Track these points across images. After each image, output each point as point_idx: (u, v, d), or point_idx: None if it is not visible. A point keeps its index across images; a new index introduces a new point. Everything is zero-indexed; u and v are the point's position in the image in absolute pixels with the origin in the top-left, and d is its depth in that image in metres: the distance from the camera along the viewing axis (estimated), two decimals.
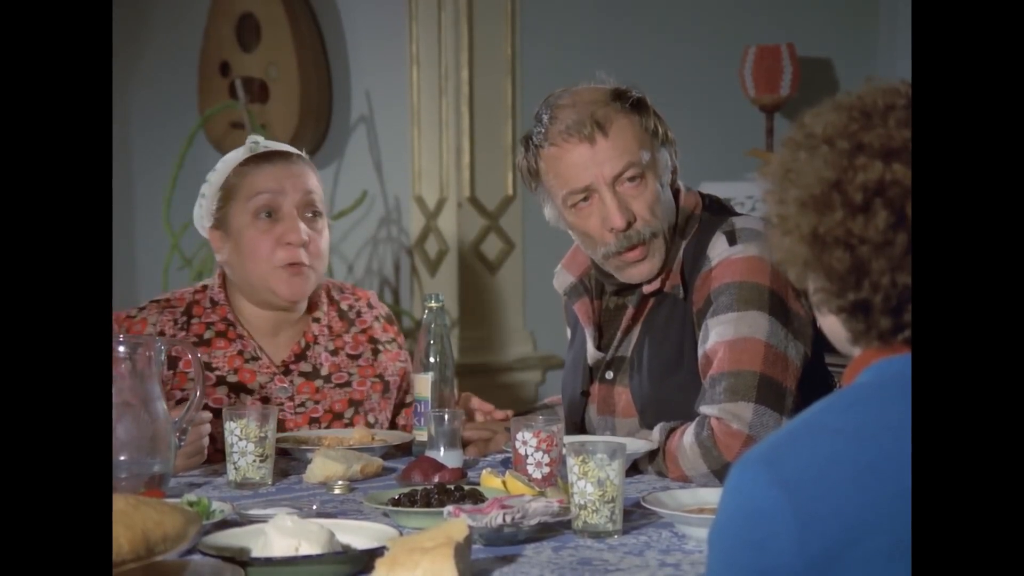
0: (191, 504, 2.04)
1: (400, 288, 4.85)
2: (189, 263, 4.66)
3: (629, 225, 2.45)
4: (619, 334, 2.55)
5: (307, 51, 4.96)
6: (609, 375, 2.56)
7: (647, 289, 2.51)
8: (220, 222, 2.67)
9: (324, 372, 2.70)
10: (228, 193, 2.66)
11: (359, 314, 2.80)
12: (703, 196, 2.57)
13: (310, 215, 2.67)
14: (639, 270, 2.50)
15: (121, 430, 2.22)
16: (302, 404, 2.67)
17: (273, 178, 2.65)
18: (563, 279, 2.67)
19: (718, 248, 2.45)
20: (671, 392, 2.45)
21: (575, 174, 2.46)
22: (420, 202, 4.69)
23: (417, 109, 4.65)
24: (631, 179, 2.45)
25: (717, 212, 2.53)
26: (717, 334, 2.38)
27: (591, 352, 2.60)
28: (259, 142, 2.70)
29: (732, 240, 2.44)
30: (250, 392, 2.64)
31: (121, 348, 2.25)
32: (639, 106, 2.48)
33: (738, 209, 2.62)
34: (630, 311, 2.53)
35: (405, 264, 4.81)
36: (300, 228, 2.63)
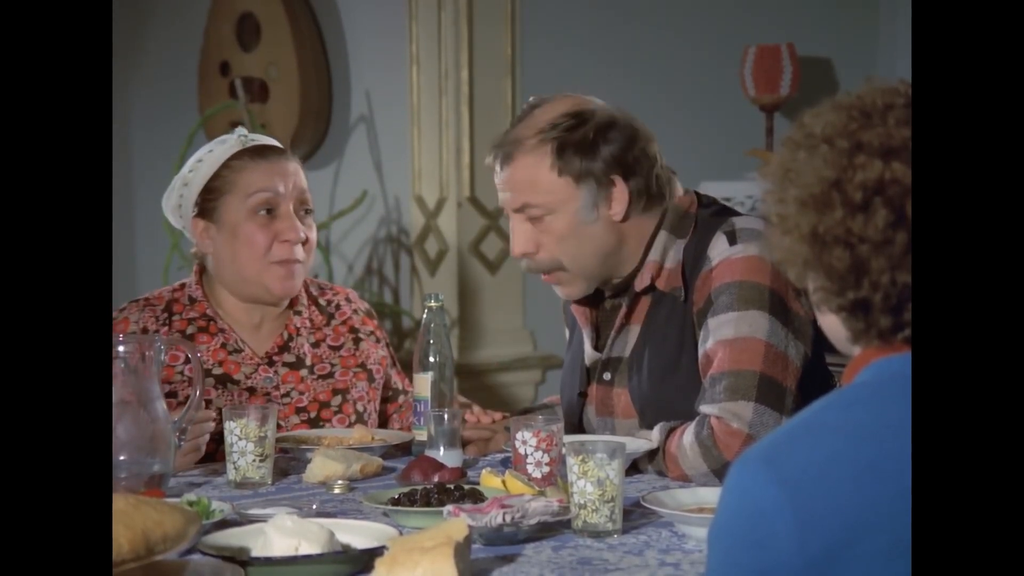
0: (191, 504, 2.04)
1: (400, 287, 4.85)
2: (189, 264, 4.66)
3: (526, 254, 2.49)
4: (613, 333, 2.55)
5: (307, 51, 4.96)
6: (607, 376, 2.56)
7: (638, 286, 2.51)
8: (208, 214, 2.67)
9: (308, 363, 2.71)
10: (220, 186, 2.66)
11: (338, 307, 2.82)
12: (699, 196, 2.57)
13: (303, 212, 2.69)
14: (561, 290, 2.56)
15: (121, 430, 2.22)
16: (287, 394, 2.68)
17: (271, 175, 2.66)
18: None
19: (718, 248, 2.45)
20: (671, 393, 2.45)
21: (497, 191, 2.54)
22: (420, 202, 4.69)
23: (417, 109, 4.66)
24: (531, 217, 2.48)
25: (718, 212, 2.53)
26: (717, 334, 2.38)
27: (588, 352, 2.60)
28: (247, 135, 2.70)
29: (732, 240, 2.44)
30: (236, 383, 2.65)
31: (121, 348, 2.25)
32: (565, 146, 2.44)
33: (738, 209, 2.62)
34: (623, 310, 2.53)
35: (405, 264, 4.82)
36: (298, 226, 2.65)
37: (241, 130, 2.73)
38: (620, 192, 2.46)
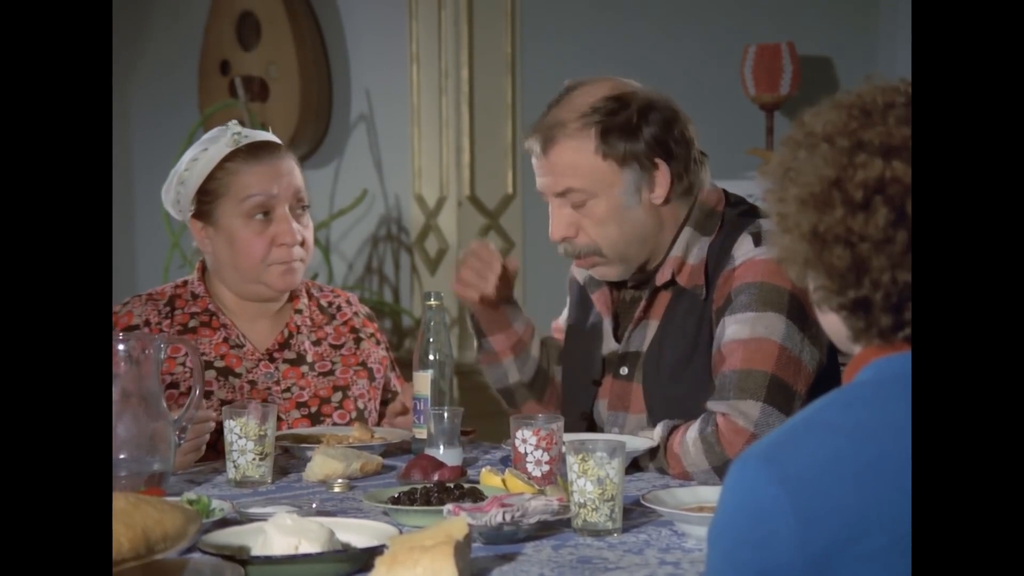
0: (191, 502, 2.04)
1: (400, 286, 4.85)
2: (189, 262, 4.67)
3: (566, 239, 2.49)
4: (631, 327, 2.55)
5: (307, 50, 4.96)
6: (624, 371, 2.55)
7: (659, 281, 2.50)
8: (205, 216, 2.67)
9: (308, 359, 2.72)
10: (216, 188, 2.65)
11: (339, 308, 2.83)
12: (727, 194, 2.56)
13: (300, 210, 2.69)
14: (597, 272, 2.55)
15: (121, 428, 2.22)
16: (288, 389, 2.69)
17: (264, 178, 2.65)
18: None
19: (743, 248, 2.44)
20: (682, 390, 2.45)
21: (536, 175, 2.52)
22: (420, 200, 4.69)
23: (417, 108, 4.66)
24: (573, 203, 2.47)
25: (745, 213, 2.52)
26: (733, 332, 2.38)
27: (609, 343, 2.59)
28: (240, 132, 2.68)
29: (758, 241, 2.44)
30: (237, 376, 2.66)
31: (121, 346, 2.25)
32: (608, 129, 2.44)
33: None
34: (642, 303, 2.53)
35: (405, 262, 4.82)
36: (294, 228, 2.66)
37: (234, 126, 2.70)
38: (663, 175, 2.46)
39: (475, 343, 2.71)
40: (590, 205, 2.46)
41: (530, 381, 2.68)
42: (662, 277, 2.50)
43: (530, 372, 2.68)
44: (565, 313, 2.77)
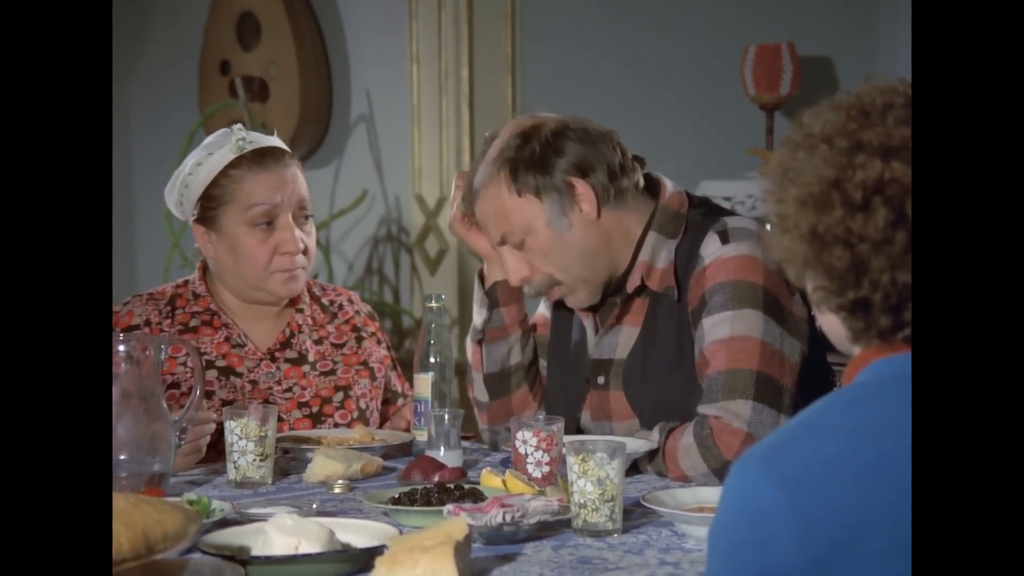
0: (191, 503, 2.04)
1: (400, 287, 4.85)
2: (189, 262, 4.66)
3: (524, 280, 2.52)
4: (601, 331, 2.55)
5: (307, 50, 4.96)
6: (600, 380, 2.55)
7: (629, 287, 2.51)
8: (209, 222, 2.67)
9: (310, 359, 2.72)
10: (220, 195, 2.65)
11: (340, 307, 2.84)
12: (691, 196, 2.57)
13: (303, 219, 2.69)
14: (568, 302, 2.56)
15: (121, 429, 2.22)
16: (289, 389, 2.69)
17: (268, 187, 2.64)
18: None
19: (711, 247, 2.45)
20: (673, 393, 2.45)
21: None
22: (420, 201, 4.70)
23: (417, 107, 4.66)
24: (514, 245, 2.50)
25: (709, 213, 2.53)
26: (712, 333, 2.39)
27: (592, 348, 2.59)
28: (244, 138, 2.67)
29: (724, 239, 2.45)
30: (239, 375, 2.66)
31: (121, 347, 2.25)
32: (516, 167, 2.47)
33: (738, 208, 2.62)
34: (615, 310, 2.54)
35: (405, 263, 4.82)
36: (297, 237, 2.65)
37: (238, 131, 2.69)
38: (584, 191, 2.46)
39: (481, 319, 2.68)
40: (528, 243, 2.48)
41: (528, 364, 2.68)
42: (632, 283, 2.51)
43: (529, 355, 2.69)
44: (541, 308, 2.77)
